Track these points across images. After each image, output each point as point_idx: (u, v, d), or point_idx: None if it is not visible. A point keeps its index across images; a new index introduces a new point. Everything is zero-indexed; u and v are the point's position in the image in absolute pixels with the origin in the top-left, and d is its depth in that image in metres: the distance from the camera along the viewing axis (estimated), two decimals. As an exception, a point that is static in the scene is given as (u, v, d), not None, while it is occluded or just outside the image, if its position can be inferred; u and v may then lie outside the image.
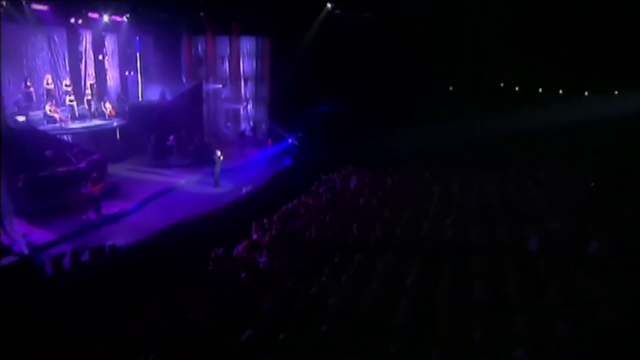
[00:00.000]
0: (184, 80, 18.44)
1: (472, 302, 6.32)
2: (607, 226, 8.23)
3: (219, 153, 14.07)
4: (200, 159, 15.49)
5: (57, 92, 15.02)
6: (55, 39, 15.41)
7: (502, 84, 21.35)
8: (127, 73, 17.63)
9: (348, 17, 17.55)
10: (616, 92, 19.35)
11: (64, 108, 14.84)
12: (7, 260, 7.72)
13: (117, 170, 14.28)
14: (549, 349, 5.46)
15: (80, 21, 16.01)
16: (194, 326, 6.74)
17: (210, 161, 14.61)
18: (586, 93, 20.02)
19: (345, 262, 8.20)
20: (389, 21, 17.53)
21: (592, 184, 10.57)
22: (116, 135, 15.62)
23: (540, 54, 17.50)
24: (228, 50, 19.24)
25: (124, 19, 16.42)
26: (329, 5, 16.84)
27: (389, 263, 7.91)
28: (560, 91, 20.18)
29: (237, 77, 19.50)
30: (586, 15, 15.84)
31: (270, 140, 18.30)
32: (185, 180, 14.19)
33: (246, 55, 19.43)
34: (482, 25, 17.38)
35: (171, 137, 15.68)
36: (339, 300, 6.93)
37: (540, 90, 20.59)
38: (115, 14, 16.31)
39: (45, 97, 14.59)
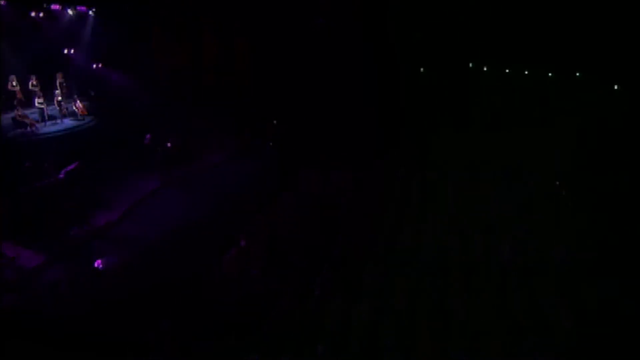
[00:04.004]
0: (155, 71, 17.95)
1: (452, 322, 7.02)
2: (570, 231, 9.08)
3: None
4: (179, 157, 15.49)
5: (23, 94, 14.42)
6: (15, 34, 14.63)
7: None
8: (94, 66, 17.01)
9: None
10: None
11: (33, 111, 14.27)
12: (8, 299, 7.79)
13: (94, 173, 14.12)
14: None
15: (41, 14, 15.24)
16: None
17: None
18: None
19: (334, 274, 8.74)
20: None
21: (557, 183, 11.37)
22: (89, 136, 15.20)
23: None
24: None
25: (90, 12, 15.70)
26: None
27: (374, 277, 8.50)
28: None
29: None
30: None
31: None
32: (163, 182, 14.21)
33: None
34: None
35: (147, 136, 15.45)
36: (333, 321, 7.51)
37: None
38: (80, 5, 15.56)
39: (11, 100, 14.01)
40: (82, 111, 15.34)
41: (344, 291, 8.12)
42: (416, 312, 7.29)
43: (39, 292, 8.14)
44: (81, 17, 15.90)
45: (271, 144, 17.15)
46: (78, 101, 15.40)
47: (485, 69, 24.28)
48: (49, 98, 14.80)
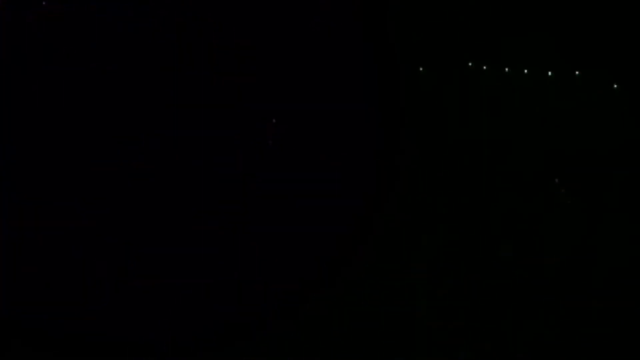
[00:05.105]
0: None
1: (456, 322, 7.01)
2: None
3: None
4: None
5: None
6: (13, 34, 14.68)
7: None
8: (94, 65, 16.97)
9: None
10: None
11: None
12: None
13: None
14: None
15: (40, 13, 15.24)
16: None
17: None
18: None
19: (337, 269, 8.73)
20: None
21: (556, 180, 11.35)
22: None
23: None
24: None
25: (90, 9, 15.72)
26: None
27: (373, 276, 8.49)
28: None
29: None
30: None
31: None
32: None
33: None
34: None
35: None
36: (335, 314, 7.50)
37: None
38: (80, 3, 15.61)
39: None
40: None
41: (344, 290, 8.13)
42: (416, 312, 7.31)
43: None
44: (80, 14, 15.93)
45: (271, 143, 17.15)
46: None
47: (485, 68, 24.46)
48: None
